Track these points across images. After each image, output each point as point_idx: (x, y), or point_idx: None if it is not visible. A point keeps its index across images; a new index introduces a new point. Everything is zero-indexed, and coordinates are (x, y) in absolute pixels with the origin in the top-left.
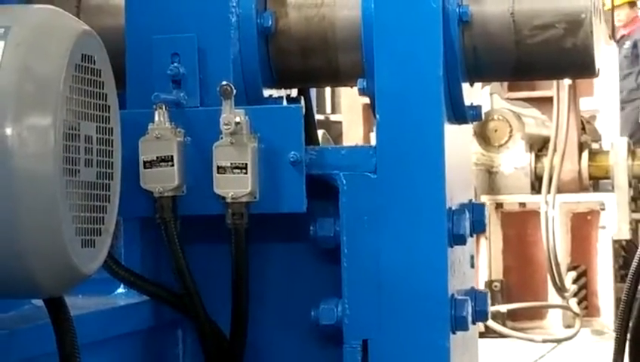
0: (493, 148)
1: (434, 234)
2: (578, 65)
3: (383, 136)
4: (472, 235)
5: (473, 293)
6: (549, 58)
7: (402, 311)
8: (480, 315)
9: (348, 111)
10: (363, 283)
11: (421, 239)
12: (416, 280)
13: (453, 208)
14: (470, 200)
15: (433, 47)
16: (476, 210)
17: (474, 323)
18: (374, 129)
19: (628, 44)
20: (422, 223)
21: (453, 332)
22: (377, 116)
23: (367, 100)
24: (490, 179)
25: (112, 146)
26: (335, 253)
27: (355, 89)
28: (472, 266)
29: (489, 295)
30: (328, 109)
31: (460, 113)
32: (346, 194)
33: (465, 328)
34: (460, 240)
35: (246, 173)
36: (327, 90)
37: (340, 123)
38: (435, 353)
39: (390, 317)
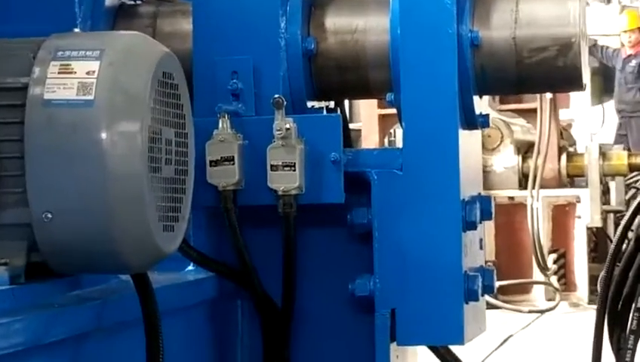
0: (488, 151)
1: (450, 221)
2: (568, 81)
3: (408, 140)
4: (481, 222)
5: (482, 270)
6: (544, 75)
7: (424, 285)
8: (488, 289)
9: (367, 121)
10: (391, 262)
11: (440, 225)
12: (435, 259)
13: (466, 199)
14: (479, 193)
15: (450, 66)
16: (484, 201)
17: (482, 295)
18: (391, 136)
19: (634, 62)
20: (440, 212)
21: (466, 303)
22: (403, 124)
23: (382, 111)
24: (485, 177)
25: (187, 148)
26: (368, 237)
27: (372, 104)
28: (481, 248)
29: (495, 272)
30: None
31: (472, 120)
32: (377, 188)
33: (476, 299)
34: (472, 226)
35: (294, 171)
36: (347, 102)
37: (357, 130)
38: (451, 320)
39: (414, 290)
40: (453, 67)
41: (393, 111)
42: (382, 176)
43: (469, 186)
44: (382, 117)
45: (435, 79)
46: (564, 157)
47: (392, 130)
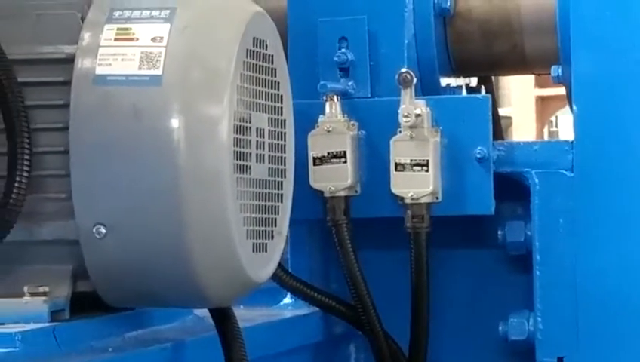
0: None
1: None
2: None
3: (581, 130)
4: None
5: None
6: None
7: (603, 326)
8: None
9: (519, 105)
10: (558, 294)
11: (625, 245)
12: (619, 291)
13: None
14: None
15: (638, 28)
16: None
17: None
18: (552, 125)
19: None
20: (627, 228)
21: None
22: (575, 107)
23: (541, 92)
24: None
25: (284, 140)
26: (526, 261)
27: (527, 82)
28: None
29: None
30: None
31: None
32: (538, 195)
33: None
34: None
35: (427, 171)
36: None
37: (506, 118)
38: None
39: (589, 333)
40: None
41: (556, 91)
42: (545, 178)
43: None
44: (540, 99)
45: (617, 46)
46: None
47: (553, 117)
